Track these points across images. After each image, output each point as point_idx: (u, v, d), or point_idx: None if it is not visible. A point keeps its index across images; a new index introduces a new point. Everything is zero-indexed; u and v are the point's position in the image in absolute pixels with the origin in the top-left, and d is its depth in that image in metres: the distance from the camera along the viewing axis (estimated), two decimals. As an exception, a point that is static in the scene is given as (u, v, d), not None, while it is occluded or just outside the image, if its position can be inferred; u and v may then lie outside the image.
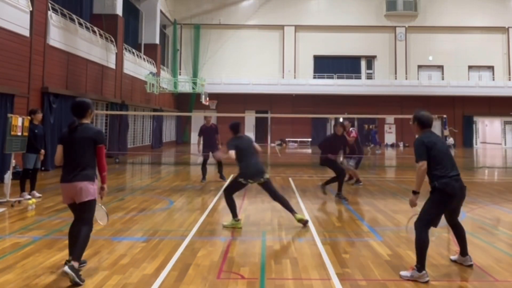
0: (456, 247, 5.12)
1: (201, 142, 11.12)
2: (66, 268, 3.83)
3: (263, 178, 6.23)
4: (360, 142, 10.96)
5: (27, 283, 3.87)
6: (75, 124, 4.23)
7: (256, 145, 6.58)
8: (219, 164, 11.12)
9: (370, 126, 31.68)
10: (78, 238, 4.04)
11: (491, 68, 33.63)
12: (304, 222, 6.21)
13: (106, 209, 4.53)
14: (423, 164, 4.14)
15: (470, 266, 4.44)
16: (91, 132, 4.19)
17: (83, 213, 4.14)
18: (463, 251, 4.49)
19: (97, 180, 4.22)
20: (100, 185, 4.25)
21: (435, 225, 4.20)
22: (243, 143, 6.32)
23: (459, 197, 4.24)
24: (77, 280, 3.84)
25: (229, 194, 6.27)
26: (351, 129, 10.73)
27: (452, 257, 4.64)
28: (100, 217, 4.50)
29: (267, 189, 6.37)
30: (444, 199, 4.15)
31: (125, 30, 21.94)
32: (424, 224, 4.15)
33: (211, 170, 12.05)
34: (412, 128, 4.53)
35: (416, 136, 4.47)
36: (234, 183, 6.32)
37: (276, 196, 6.36)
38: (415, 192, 4.19)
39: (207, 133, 11.12)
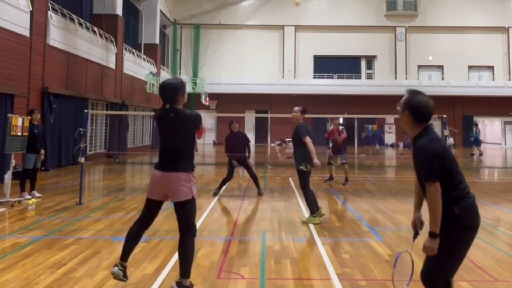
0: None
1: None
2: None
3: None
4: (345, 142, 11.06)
5: (27, 283, 3.86)
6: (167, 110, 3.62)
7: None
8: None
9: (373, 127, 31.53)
10: (187, 252, 3.58)
11: (491, 68, 33.61)
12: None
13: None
14: (438, 187, 2.57)
15: None
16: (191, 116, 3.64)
17: (188, 215, 3.60)
18: None
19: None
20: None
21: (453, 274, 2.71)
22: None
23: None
24: None
25: (307, 189, 6.58)
26: (341, 128, 10.76)
27: None
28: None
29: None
30: (472, 233, 2.66)
31: (125, 30, 21.92)
32: (443, 277, 2.67)
33: (211, 172, 12.02)
34: (400, 118, 2.88)
35: (414, 137, 2.75)
36: (305, 175, 6.69)
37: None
38: (434, 235, 2.57)
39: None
